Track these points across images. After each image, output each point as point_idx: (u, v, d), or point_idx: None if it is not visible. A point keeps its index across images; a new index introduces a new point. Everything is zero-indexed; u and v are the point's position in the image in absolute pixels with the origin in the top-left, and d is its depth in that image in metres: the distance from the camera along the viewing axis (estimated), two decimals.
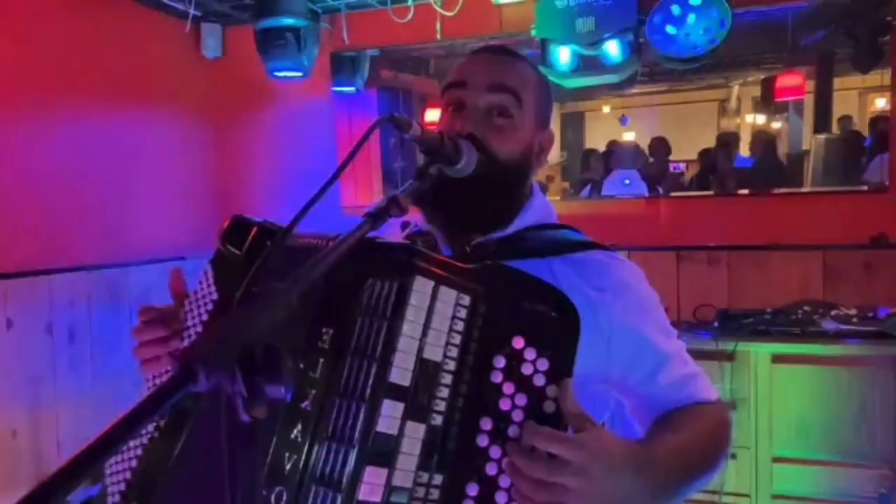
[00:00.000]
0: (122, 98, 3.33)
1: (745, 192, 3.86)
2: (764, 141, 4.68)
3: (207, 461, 0.75)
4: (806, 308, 2.85)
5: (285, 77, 3.49)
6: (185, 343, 0.92)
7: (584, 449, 0.73)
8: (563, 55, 3.15)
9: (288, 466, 0.76)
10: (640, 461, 0.78)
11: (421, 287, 0.79)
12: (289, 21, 3.33)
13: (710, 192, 3.97)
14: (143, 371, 0.95)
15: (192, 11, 3.50)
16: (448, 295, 0.80)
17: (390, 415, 0.76)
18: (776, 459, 2.67)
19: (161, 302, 0.98)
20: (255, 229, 0.91)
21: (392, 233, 1.07)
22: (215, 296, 0.91)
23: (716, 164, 4.27)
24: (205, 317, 0.91)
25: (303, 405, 0.77)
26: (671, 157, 4.72)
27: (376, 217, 0.77)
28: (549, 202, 1.13)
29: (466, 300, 0.80)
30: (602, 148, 4.91)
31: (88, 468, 0.44)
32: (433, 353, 0.78)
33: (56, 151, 2.96)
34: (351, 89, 3.74)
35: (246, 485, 0.74)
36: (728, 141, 4.57)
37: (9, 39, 2.78)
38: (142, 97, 3.46)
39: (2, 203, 2.73)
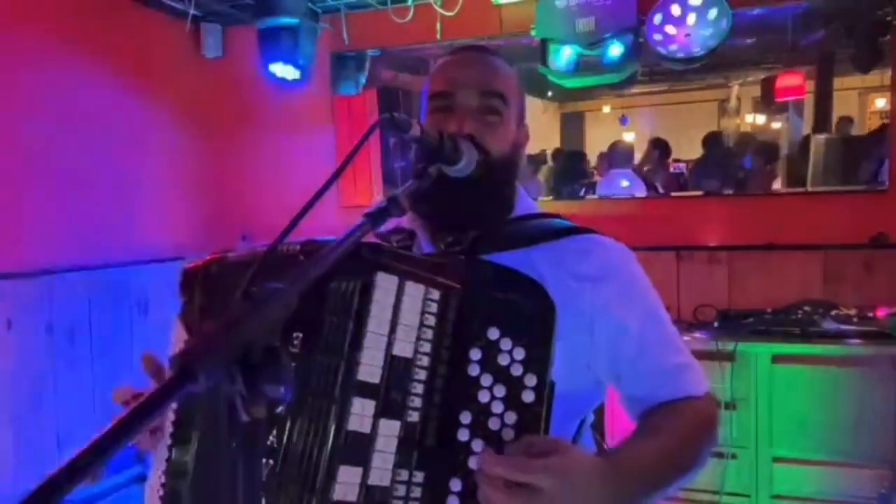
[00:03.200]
0: (123, 97, 3.33)
1: (745, 192, 3.86)
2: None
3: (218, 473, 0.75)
4: (806, 308, 2.85)
5: (285, 77, 3.49)
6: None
7: (550, 473, 0.72)
8: (563, 55, 3.15)
9: (266, 472, 0.75)
10: (609, 478, 0.78)
11: (384, 283, 0.78)
12: (289, 21, 3.33)
13: (711, 193, 3.97)
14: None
15: (192, 11, 3.50)
16: (415, 290, 0.79)
17: (361, 413, 0.76)
18: (776, 459, 2.67)
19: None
20: (200, 274, 0.90)
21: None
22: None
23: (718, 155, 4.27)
24: None
25: (277, 410, 0.76)
26: (672, 158, 4.72)
27: (375, 217, 0.77)
28: (527, 193, 1.13)
29: (436, 294, 0.80)
30: (602, 148, 4.91)
31: (89, 468, 0.44)
32: (404, 350, 0.78)
33: (56, 151, 2.96)
34: (351, 89, 3.74)
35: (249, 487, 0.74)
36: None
37: (8, 39, 2.78)
38: (142, 97, 3.46)
39: (2, 203, 2.73)
